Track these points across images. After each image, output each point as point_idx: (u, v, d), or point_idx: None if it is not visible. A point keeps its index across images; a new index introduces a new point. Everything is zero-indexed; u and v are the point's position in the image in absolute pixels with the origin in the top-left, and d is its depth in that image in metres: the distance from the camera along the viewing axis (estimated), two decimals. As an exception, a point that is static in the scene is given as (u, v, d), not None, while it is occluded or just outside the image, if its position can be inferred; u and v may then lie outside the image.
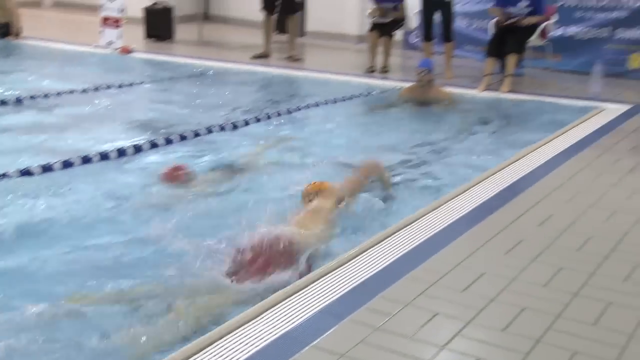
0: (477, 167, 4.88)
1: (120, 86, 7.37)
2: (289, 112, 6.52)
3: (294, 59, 9.17)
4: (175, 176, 4.40)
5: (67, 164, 4.63)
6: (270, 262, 3.17)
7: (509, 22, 7.45)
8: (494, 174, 4.51)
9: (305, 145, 5.55)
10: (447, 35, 8.26)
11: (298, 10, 9.67)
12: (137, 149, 5.09)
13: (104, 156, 4.87)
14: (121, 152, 4.97)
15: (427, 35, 8.35)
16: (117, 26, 9.31)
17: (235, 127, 5.91)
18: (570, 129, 5.85)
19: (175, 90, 7.53)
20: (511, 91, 7.39)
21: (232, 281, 3.09)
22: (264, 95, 7.52)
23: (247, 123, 6.07)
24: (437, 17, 8.28)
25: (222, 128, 5.82)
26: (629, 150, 5.39)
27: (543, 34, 7.99)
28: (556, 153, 5.09)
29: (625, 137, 5.73)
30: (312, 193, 3.84)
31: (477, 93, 7.44)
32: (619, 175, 4.64)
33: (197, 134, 5.58)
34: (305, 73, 8.41)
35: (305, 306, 2.75)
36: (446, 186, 4.51)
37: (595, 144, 5.43)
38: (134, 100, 7.04)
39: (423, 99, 6.91)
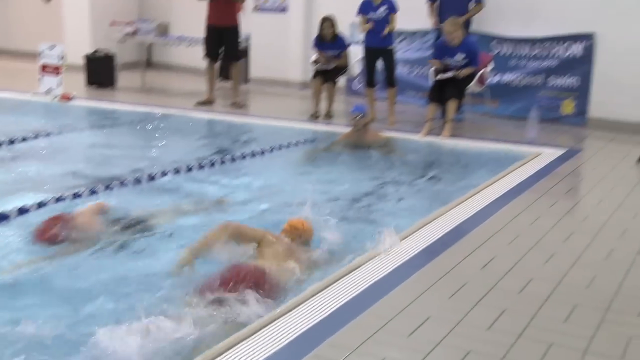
0: (420, 211, 4.91)
1: (58, 133, 7.22)
2: (233, 159, 6.47)
3: (238, 106, 9.21)
4: (50, 236, 3.99)
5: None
6: (240, 283, 3.19)
7: (446, 76, 7.64)
8: (436, 218, 4.58)
9: (246, 194, 5.42)
10: (390, 81, 8.38)
11: (241, 57, 9.75)
12: (52, 201, 4.77)
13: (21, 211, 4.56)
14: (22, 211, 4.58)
15: (370, 82, 8.48)
16: (57, 73, 9.20)
17: (177, 171, 5.81)
18: (509, 172, 5.98)
19: (116, 137, 7.45)
20: (452, 136, 7.51)
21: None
22: (207, 143, 7.46)
23: (189, 169, 6.00)
24: (380, 64, 8.40)
25: (163, 173, 5.70)
26: (565, 194, 5.57)
27: (481, 80, 8.19)
28: (497, 196, 5.20)
29: (561, 180, 5.90)
30: (298, 234, 3.93)
31: (420, 138, 7.56)
32: (557, 218, 4.77)
33: (123, 183, 5.40)
34: (249, 119, 8.42)
35: (253, 354, 2.71)
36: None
37: (533, 187, 5.57)
38: (69, 148, 6.86)
39: (360, 143, 6.97)
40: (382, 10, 8.12)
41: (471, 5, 8.63)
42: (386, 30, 8.13)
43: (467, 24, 8.39)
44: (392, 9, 8.18)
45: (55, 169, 5.94)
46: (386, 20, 8.15)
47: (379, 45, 8.25)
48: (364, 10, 8.26)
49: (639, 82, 8.22)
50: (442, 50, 7.85)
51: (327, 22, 8.50)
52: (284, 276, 3.50)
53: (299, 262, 3.70)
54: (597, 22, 8.43)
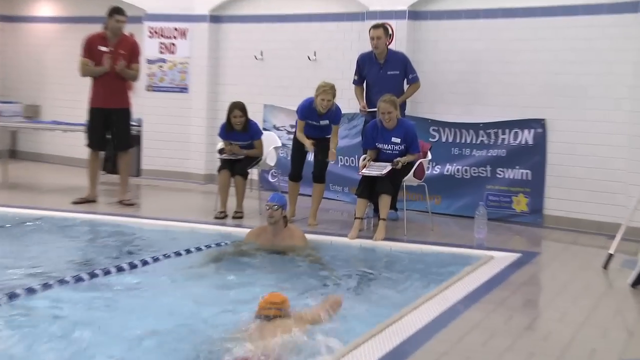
0: (350, 330, 4.76)
1: None
2: (119, 269, 6.24)
3: (126, 204, 9.16)
4: None
5: None
6: None
7: (375, 172, 7.74)
8: (371, 337, 4.45)
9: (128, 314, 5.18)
10: (320, 175, 8.50)
11: (132, 146, 9.73)
12: None
13: None
14: None
15: (296, 175, 8.57)
16: None
17: (32, 291, 5.42)
18: (456, 281, 5.98)
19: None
20: (386, 238, 7.56)
21: None
22: (87, 250, 7.24)
23: (63, 281, 5.73)
24: (310, 155, 8.60)
25: (11, 296, 5.27)
26: (522, 306, 5.58)
27: (419, 172, 8.32)
28: (441, 311, 5.14)
29: (517, 290, 5.92)
30: (272, 307, 4.48)
31: (348, 241, 7.55)
32: (513, 336, 4.75)
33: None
34: (140, 221, 8.35)
35: None
36: (318, 353, 4.30)
37: (484, 298, 5.56)
38: None
39: (274, 244, 6.95)
40: (324, 122, 8.35)
41: (404, 85, 8.88)
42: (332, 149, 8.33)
43: (402, 107, 8.59)
44: (336, 122, 8.40)
45: None
46: (327, 127, 8.39)
47: (317, 135, 8.42)
48: (305, 117, 8.37)
49: (597, 174, 8.51)
50: (374, 134, 8.00)
51: (237, 109, 8.62)
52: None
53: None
54: (547, 106, 8.82)
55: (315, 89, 8.27)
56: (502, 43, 9.14)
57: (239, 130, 8.68)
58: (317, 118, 8.33)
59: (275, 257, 6.77)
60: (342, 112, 9.32)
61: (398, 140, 7.90)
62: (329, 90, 8.19)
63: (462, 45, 9.37)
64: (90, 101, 9.20)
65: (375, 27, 8.67)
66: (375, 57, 8.74)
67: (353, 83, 9.00)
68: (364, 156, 8.26)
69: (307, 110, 8.35)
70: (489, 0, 9.21)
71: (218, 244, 7.29)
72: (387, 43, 8.82)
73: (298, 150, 8.54)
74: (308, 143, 8.30)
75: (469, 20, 9.34)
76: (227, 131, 8.74)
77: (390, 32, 9.03)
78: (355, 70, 8.94)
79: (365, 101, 8.82)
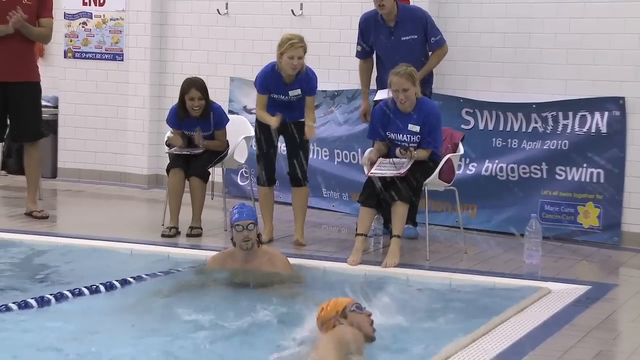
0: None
1: None
2: (24, 306, 6.16)
3: (36, 216, 9.17)
4: None
5: None
6: None
7: (388, 172, 7.77)
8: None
9: None
10: (299, 176, 8.52)
11: (44, 135, 9.69)
12: None
13: None
14: None
15: (266, 176, 8.57)
16: None
17: None
18: (498, 325, 5.95)
19: None
20: (401, 264, 7.56)
21: None
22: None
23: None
24: (283, 147, 8.74)
25: None
26: (592, 360, 5.55)
27: (447, 173, 8.25)
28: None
29: (584, 337, 5.82)
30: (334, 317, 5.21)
31: (348, 267, 7.54)
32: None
33: None
34: (56, 240, 8.30)
35: None
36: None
37: (538, 349, 5.49)
38: None
39: (248, 272, 6.93)
40: (295, 93, 8.43)
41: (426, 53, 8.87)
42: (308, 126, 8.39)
43: (425, 83, 8.61)
44: (311, 91, 8.49)
45: None
46: (299, 104, 8.49)
47: (287, 118, 8.45)
48: (267, 89, 8.45)
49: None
50: (383, 120, 8.02)
51: (194, 89, 8.69)
52: None
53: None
54: (628, 79, 8.86)
55: (278, 45, 8.32)
56: None
57: (197, 117, 8.72)
58: (284, 88, 8.39)
59: (248, 292, 6.73)
60: (341, 87, 9.29)
61: (417, 129, 7.92)
62: (298, 44, 8.24)
63: None
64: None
65: None
66: (382, 19, 8.77)
67: (356, 56, 9.06)
68: (369, 149, 8.24)
69: (269, 79, 8.41)
70: None
71: (167, 272, 7.28)
72: None
73: (265, 141, 8.56)
74: (272, 119, 8.31)
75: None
76: (180, 118, 8.78)
77: None
78: (358, 38, 8.98)
79: (378, 82, 8.81)
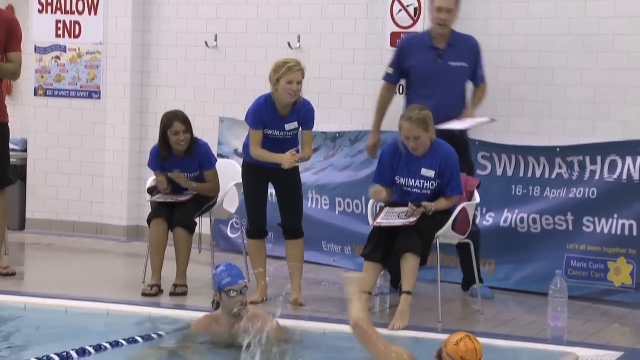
0: None
1: None
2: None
3: (1, 273, 9.12)
4: None
5: None
6: None
7: (396, 222, 7.76)
8: None
9: None
10: (294, 227, 8.45)
11: (10, 182, 9.61)
12: None
13: None
14: None
15: (256, 229, 8.51)
16: None
17: None
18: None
19: None
20: (410, 327, 7.48)
21: None
22: None
23: None
24: (277, 195, 8.56)
25: None
26: None
27: (462, 223, 8.23)
28: None
29: None
30: None
31: (350, 330, 7.33)
32: None
33: None
34: (22, 299, 8.21)
35: None
36: None
37: None
38: None
39: (234, 336, 6.71)
40: (292, 126, 8.30)
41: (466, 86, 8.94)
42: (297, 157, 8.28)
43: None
44: (308, 123, 8.36)
45: None
46: (295, 140, 8.40)
47: (274, 164, 8.31)
48: (262, 123, 8.30)
49: None
50: (393, 162, 7.96)
51: (177, 121, 8.64)
52: None
53: None
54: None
55: (272, 72, 8.21)
56: (589, 23, 9.11)
57: (180, 155, 8.67)
58: (279, 121, 8.25)
59: (240, 353, 6.50)
60: (343, 128, 9.21)
61: (431, 174, 7.84)
62: (296, 67, 8.17)
63: (527, 25, 9.39)
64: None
65: None
66: (431, 40, 8.80)
67: (384, 79, 8.99)
68: (374, 189, 8.16)
69: (263, 111, 8.27)
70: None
71: (148, 337, 7.11)
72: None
73: (256, 187, 8.50)
74: (283, 156, 8.17)
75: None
76: (162, 157, 8.68)
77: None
78: (393, 60, 8.96)
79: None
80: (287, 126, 8.23)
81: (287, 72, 8.08)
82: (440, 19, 8.59)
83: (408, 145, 7.79)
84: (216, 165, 8.89)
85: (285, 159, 8.10)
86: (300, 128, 8.32)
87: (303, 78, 8.18)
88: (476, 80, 8.87)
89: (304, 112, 8.30)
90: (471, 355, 5.08)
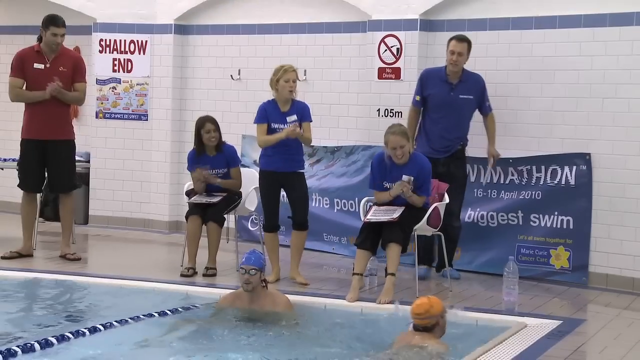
0: None
1: None
2: (61, 339, 6.15)
3: (70, 259, 9.19)
4: None
5: None
6: None
7: (383, 217, 7.81)
8: None
9: None
10: (300, 222, 8.53)
11: (77, 187, 9.73)
12: None
13: None
14: None
15: (271, 224, 8.59)
16: None
17: None
18: (480, 356, 5.92)
19: None
20: (394, 300, 7.51)
21: None
22: (20, 317, 7.16)
23: None
24: (285, 196, 8.64)
25: None
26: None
27: (434, 219, 8.27)
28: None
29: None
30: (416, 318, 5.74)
31: (346, 303, 7.56)
32: None
33: None
34: (88, 280, 8.34)
35: None
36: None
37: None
38: None
39: (252, 311, 6.94)
40: (292, 119, 8.37)
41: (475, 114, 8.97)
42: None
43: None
44: (306, 117, 8.49)
45: None
46: (297, 152, 8.52)
47: (285, 169, 8.45)
48: (265, 117, 8.45)
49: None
50: (381, 171, 8.12)
51: (208, 123, 8.77)
52: None
53: None
54: (593, 137, 8.82)
55: (272, 74, 8.44)
56: (536, 60, 9.16)
57: (212, 152, 8.82)
58: (281, 116, 8.40)
59: (256, 326, 6.73)
60: (340, 143, 9.35)
61: (410, 179, 7.95)
62: (290, 68, 8.38)
63: (487, 62, 9.32)
64: (23, 131, 9.24)
65: (459, 39, 8.78)
66: (446, 75, 8.87)
67: (413, 104, 9.01)
68: (366, 198, 8.40)
69: (267, 109, 8.48)
70: (520, 7, 9.24)
71: (185, 308, 7.27)
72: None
73: (270, 191, 8.57)
74: (286, 130, 8.27)
75: (496, 31, 9.37)
76: (199, 153, 8.85)
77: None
78: (417, 89, 9.00)
79: (422, 131, 8.95)
80: (288, 119, 8.35)
81: (284, 73, 8.33)
82: (453, 60, 8.69)
83: (395, 154, 7.87)
84: (239, 165, 9.04)
85: (287, 130, 8.26)
86: (299, 121, 8.37)
87: (297, 78, 8.46)
88: (485, 110, 8.92)
89: (301, 108, 8.46)
90: (418, 308, 5.81)
